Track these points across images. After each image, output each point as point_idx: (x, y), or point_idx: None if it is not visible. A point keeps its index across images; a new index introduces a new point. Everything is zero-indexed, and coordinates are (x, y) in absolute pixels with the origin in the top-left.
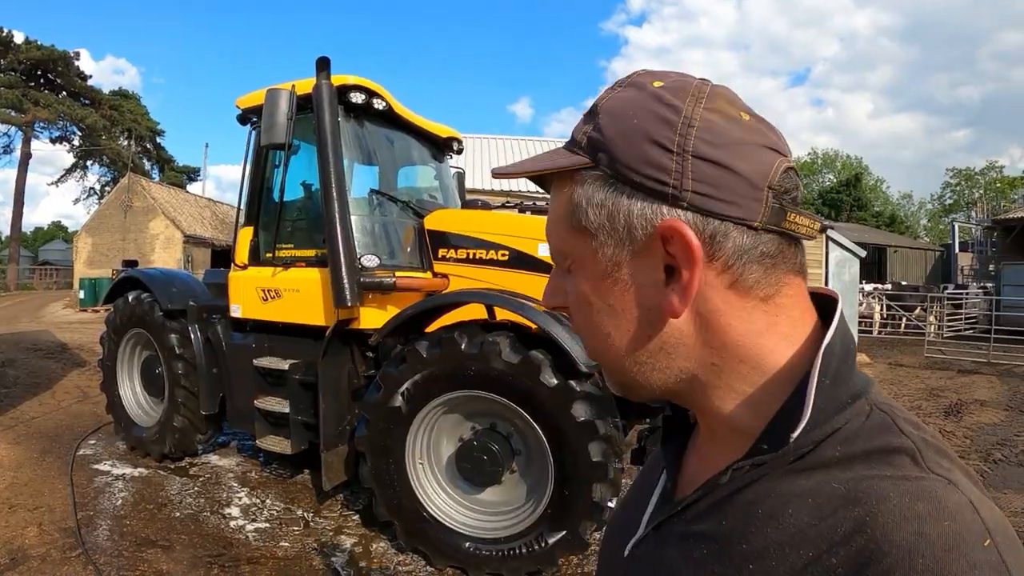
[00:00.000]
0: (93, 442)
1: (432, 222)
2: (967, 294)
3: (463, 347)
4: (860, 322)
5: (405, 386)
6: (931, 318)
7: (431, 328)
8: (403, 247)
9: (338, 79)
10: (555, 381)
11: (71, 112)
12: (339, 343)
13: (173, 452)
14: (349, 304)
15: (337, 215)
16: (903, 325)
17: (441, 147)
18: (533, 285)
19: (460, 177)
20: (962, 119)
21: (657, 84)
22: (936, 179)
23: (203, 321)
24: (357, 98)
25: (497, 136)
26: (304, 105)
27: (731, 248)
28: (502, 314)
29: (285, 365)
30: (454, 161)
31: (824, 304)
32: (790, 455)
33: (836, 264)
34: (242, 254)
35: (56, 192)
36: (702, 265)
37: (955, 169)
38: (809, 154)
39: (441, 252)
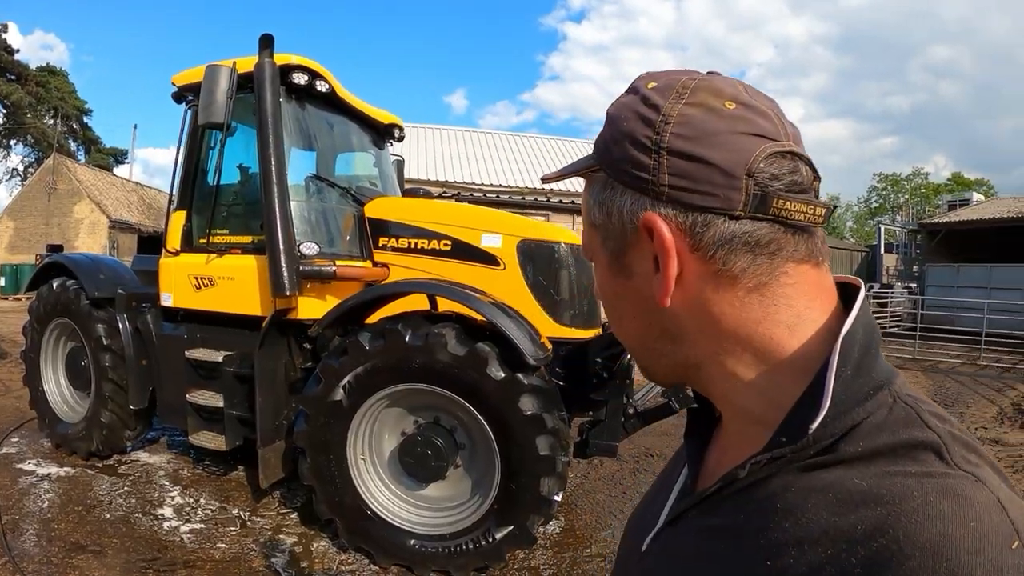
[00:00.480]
0: (16, 440)
1: (373, 210)
2: (892, 293)
3: (407, 339)
4: None
5: (347, 379)
6: None
7: (371, 319)
8: (343, 235)
9: (281, 58)
10: (502, 374)
11: None
12: (276, 334)
13: (101, 450)
14: (287, 293)
15: (276, 200)
16: None
17: (382, 134)
18: (475, 276)
19: (400, 165)
20: (891, 127)
21: (650, 86)
22: (863, 183)
23: (132, 310)
24: (300, 79)
25: (432, 126)
26: (244, 84)
27: (712, 238)
28: (445, 305)
29: (219, 357)
30: (394, 148)
31: (851, 294)
32: (810, 448)
33: None
34: (174, 239)
35: None
36: (681, 255)
37: (882, 174)
38: None
39: (382, 241)
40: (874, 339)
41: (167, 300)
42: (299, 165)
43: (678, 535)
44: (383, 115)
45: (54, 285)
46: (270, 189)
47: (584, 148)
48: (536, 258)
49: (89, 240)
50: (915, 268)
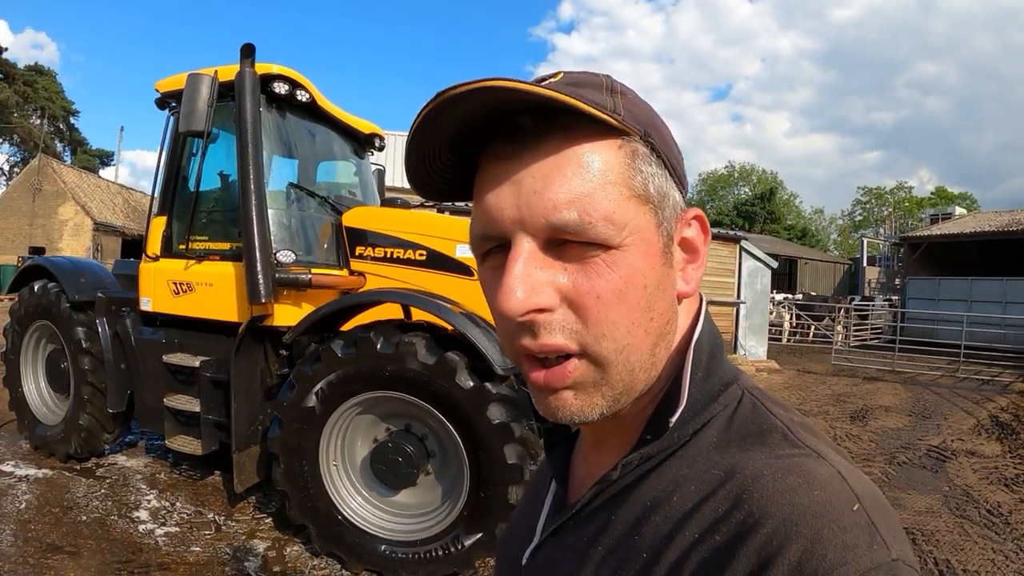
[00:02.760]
0: None
1: (350, 219)
2: (873, 306)
3: (379, 347)
4: (770, 330)
5: (319, 386)
6: (838, 327)
7: (347, 327)
8: (320, 244)
9: (262, 67)
10: (471, 383)
11: None
12: (252, 340)
13: (79, 452)
14: (263, 300)
15: (254, 208)
16: (811, 334)
17: (362, 143)
18: (449, 286)
19: (380, 174)
20: (875, 141)
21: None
22: (847, 196)
23: (112, 314)
24: (280, 88)
25: None
26: (225, 93)
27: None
28: (418, 315)
29: (196, 362)
30: (375, 158)
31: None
32: (674, 444)
33: (748, 274)
34: (154, 245)
35: None
36: None
37: (866, 188)
38: (726, 167)
39: (358, 250)
40: (718, 344)
41: (146, 305)
42: (279, 173)
43: (558, 547)
44: (364, 125)
45: (35, 288)
46: (248, 197)
47: None
48: None
49: (73, 242)
50: (897, 281)
